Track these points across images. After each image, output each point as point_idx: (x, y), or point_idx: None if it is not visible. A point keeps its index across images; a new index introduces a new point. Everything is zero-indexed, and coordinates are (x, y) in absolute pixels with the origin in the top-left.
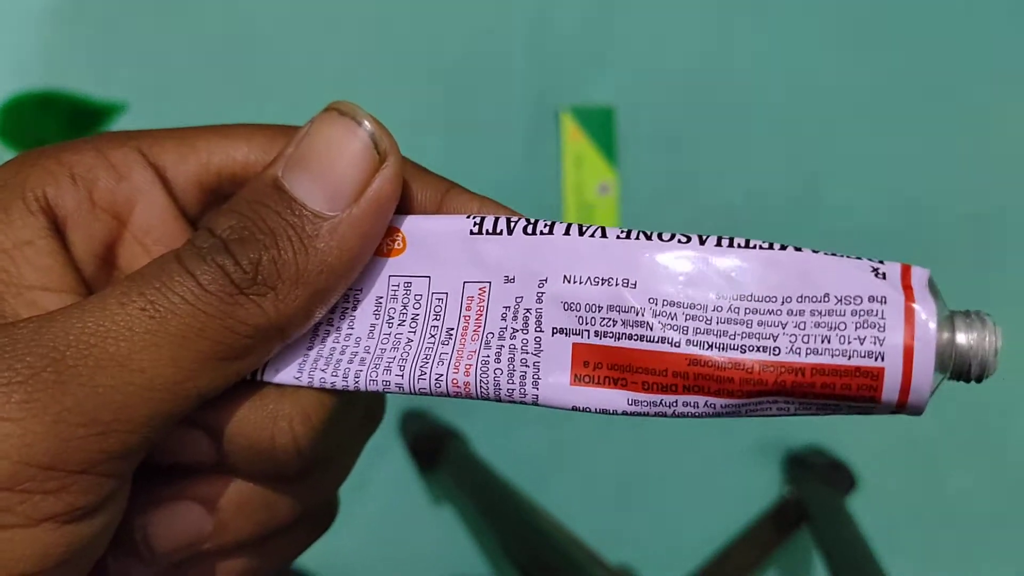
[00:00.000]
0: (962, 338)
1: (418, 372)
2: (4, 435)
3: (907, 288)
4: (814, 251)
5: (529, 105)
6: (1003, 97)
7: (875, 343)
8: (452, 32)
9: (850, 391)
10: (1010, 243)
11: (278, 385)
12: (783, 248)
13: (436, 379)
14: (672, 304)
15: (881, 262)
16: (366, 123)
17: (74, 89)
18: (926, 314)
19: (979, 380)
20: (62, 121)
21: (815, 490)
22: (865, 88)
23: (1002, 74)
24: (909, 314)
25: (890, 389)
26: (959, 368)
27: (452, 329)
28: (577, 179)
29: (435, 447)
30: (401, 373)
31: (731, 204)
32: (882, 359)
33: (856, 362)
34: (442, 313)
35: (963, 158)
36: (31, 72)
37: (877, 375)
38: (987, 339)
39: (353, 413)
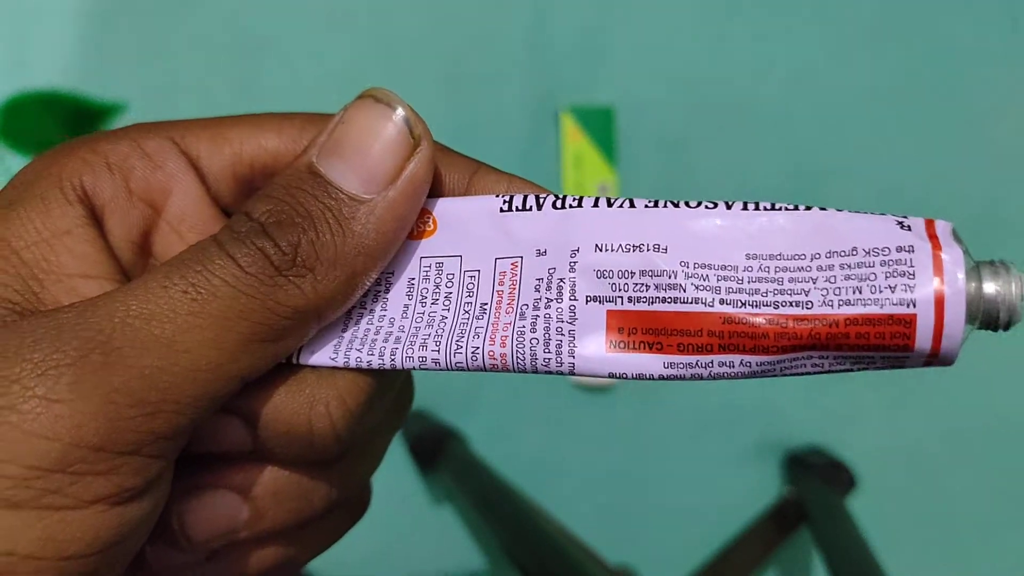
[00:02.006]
0: (989, 287)
1: (454, 346)
2: (55, 416)
3: (932, 237)
4: (838, 210)
5: (529, 105)
6: (1004, 96)
7: (906, 290)
8: (452, 32)
9: (884, 340)
10: (1013, 243)
11: (314, 369)
12: (808, 209)
13: (472, 352)
14: (704, 266)
15: (905, 216)
16: (400, 109)
17: (74, 89)
18: (953, 261)
19: (1007, 328)
20: (63, 121)
21: (815, 490)
22: (865, 87)
23: (1003, 73)
24: (937, 262)
25: (923, 337)
26: (988, 316)
27: (486, 304)
28: (577, 179)
29: (435, 447)
30: (437, 348)
31: None
32: (914, 306)
33: (888, 310)
34: (475, 290)
35: (964, 158)
36: (32, 72)
37: (910, 322)
38: (1013, 285)
39: (386, 397)
